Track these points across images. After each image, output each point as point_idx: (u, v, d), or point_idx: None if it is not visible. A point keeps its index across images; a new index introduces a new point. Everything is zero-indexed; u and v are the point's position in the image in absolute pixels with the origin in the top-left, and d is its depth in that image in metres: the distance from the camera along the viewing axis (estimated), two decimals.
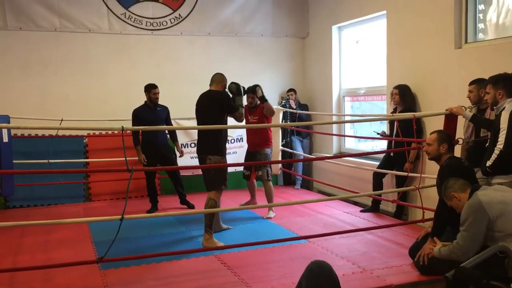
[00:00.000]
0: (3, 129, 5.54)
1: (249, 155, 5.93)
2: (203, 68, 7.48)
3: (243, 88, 5.03)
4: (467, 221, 3.20)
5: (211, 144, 4.70)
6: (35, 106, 6.75)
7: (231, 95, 4.88)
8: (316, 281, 2.43)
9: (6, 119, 5.85)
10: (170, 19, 7.43)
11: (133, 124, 5.92)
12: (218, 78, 4.91)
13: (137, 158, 6.02)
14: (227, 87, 4.91)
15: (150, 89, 6.07)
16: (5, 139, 5.67)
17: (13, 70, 6.75)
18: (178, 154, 6.49)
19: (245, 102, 5.37)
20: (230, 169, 7.02)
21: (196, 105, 4.92)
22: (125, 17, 7.20)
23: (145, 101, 6.10)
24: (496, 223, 3.11)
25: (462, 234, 3.24)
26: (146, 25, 7.32)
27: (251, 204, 6.05)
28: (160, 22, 7.39)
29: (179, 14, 7.46)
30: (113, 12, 7.13)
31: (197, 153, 4.87)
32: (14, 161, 5.88)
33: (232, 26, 7.75)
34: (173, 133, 6.47)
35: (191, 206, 6.33)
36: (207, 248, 4.44)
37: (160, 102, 6.25)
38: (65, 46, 6.96)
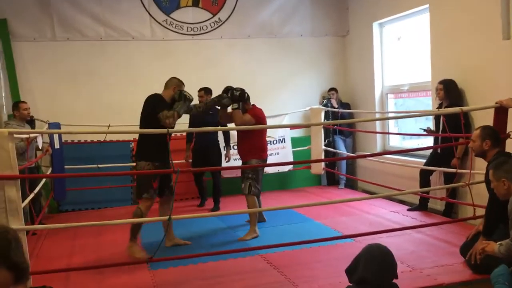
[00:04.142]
0: (54, 136, 5.79)
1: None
2: (244, 71, 7.56)
3: (190, 96, 4.56)
4: None
5: (140, 149, 4.55)
6: (83, 113, 6.98)
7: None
8: (375, 266, 2.48)
9: (57, 126, 6.11)
10: (210, 23, 7.53)
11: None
12: (169, 83, 4.63)
13: (183, 160, 6.17)
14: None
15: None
16: (57, 146, 5.93)
17: (63, 79, 7.02)
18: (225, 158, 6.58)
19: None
20: (272, 170, 7.08)
21: None
22: (166, 23, 7.36)
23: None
24: None
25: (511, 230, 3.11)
26: (187, 30, 7.45)
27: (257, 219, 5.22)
28: (200, 26, 7.50)
29: (219, 18, 7.55)
30: (155, 19, 7.30)
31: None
32: (65, 167, 6.14)
33: (271, 28, 7.77)
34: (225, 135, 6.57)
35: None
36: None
37: None
38: (110, 54, 7.19)
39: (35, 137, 5.35)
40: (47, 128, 6.08)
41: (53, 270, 3.93)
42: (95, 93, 7.13)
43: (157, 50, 7.36)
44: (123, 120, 6.95)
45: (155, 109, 4.32)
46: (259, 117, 5.08)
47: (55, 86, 6.98)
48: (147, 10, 7.25)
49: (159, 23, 7.33)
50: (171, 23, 7.38)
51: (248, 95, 5.10)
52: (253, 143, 5.07)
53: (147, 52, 7.33)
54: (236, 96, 4.94)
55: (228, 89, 5.06)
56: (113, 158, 6.83)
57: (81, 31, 7.04)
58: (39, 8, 6.85)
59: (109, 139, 6.89)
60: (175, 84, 4.61)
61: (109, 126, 6.54)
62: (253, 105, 5.23)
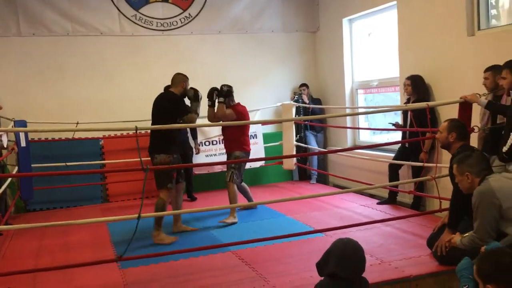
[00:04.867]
0: (20, 134, 5.64)
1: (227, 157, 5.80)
2: (215, 66, 7.53)
3: (200, 94, 5.08)
4: (479, 208, 3.16)
5: (159, 143, 4.81)
6: (51, 110, 6.82)
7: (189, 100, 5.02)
8: (347, 263, 2.51)
9: (23, 123, 5.94)
10: (180, 19, 7.46)
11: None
12: (176, 79, 4.97)
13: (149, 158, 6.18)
14: (188, 89, 5.00)
15: None
16: (23, 144, 5.77)
17: (29, 75, 6.84)
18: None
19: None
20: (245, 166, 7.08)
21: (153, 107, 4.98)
22: (135, 18, 7.25)
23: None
24: (510, 212, 3.06)
25: (476, 222, 3.20)
26: (156, 26, 7.36)
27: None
28: (170, 22, 7.43)
29: (189, 14, 7.48)
30: (123, 15, 7.19)
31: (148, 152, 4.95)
32: (32, 165, 5.98)
33: (242, 23, 7.75)
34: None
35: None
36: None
37: None
38: (78, 50, 7.03)
39: (0, 135, 5.21)
40: (12, 126, 5.92)
41: (20, 271, 3.83)
42: (63, 89, 6.97)
43: (127, 46, 7.25)
44: (92, 117, 6.85)
45: (177, 109, 4.80)
46: (241, 112, 5.50)
47: (21, 82, 6.80)
48: (115, 5, 7.13)
49: (128, 18, 7.21)
50: (141, 18, 7.27)
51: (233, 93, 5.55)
52: (236, 137, 5.53)
53: (116, 48, 7.20)
54: (224, 92, 5.43)
55: (214, 90, 5.49)
56: (82, 156, 6.72)
57: (48, 26, 6.87)
58: (4, 3, 6.65)
59: (78, 137, 6.76)
60: (182, 80, 4.96)
61: (77, 123, 6.43)
62: (238, 102, 5.60)
